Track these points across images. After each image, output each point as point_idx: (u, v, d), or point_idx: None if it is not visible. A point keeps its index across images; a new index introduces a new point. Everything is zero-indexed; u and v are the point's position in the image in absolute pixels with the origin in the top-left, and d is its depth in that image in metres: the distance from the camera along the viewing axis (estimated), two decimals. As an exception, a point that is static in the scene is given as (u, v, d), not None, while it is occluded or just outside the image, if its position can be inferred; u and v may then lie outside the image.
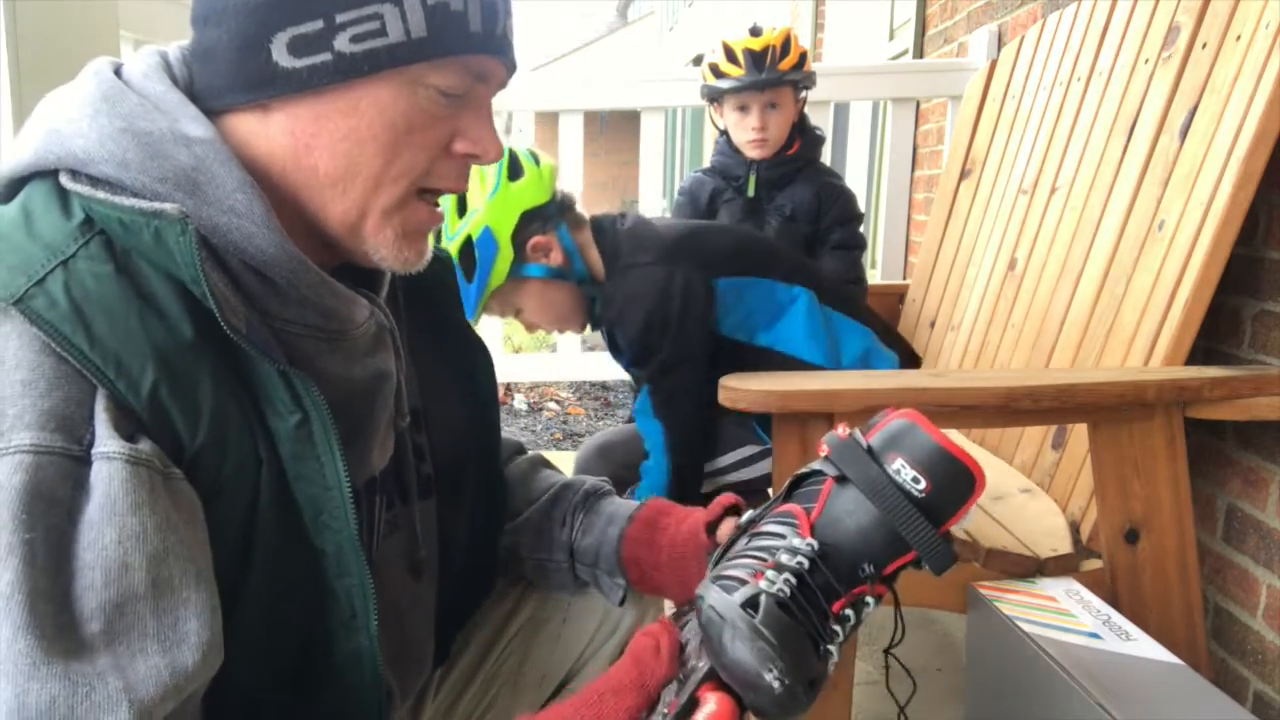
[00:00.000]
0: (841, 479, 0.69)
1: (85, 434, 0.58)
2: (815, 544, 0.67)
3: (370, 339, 0.77)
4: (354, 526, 0.69)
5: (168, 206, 0.63)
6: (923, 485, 0.66)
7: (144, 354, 0.61)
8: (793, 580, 0.66)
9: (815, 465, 0.73)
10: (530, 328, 1.62)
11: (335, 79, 0.67)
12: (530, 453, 1.07)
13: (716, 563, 0.73)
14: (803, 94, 1.96)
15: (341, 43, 0.66)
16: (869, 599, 0.69)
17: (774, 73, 1.88)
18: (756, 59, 1.89)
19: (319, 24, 0.66)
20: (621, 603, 0.94)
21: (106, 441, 0.58)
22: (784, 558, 0.67)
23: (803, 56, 1.92)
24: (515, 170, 1.48)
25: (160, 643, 0.58)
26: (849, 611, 0.68)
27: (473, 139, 0.74)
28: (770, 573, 0.66)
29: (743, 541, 0.73)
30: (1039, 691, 0.98)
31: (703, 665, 0.67)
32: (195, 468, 0.63)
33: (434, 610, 0.89)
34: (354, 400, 0.74)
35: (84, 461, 0.58)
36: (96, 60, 0.72)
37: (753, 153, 1.95)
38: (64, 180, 0.65)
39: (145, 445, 0.60)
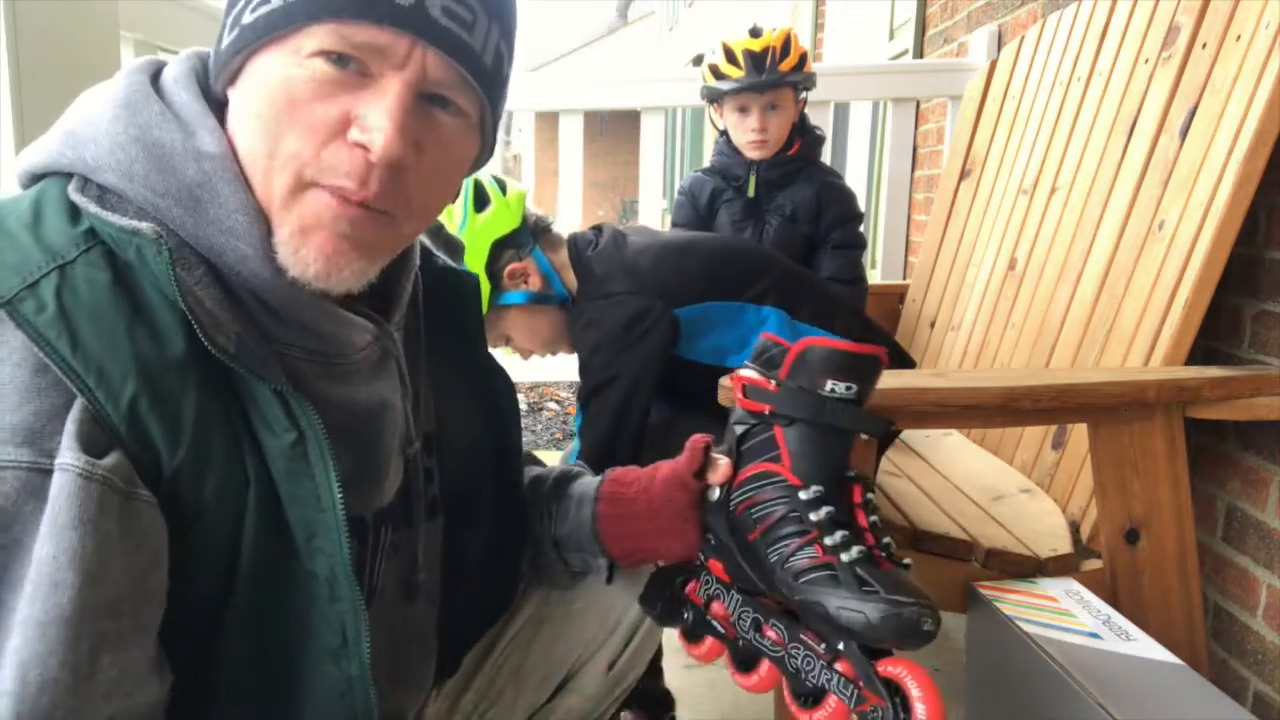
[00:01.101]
0: (789, 421, 0.78)
1: (54, 446, 0.58)
2: (818, 488, 0.76)
3: (372, 365, 0.75)
4: (347, 551, 0.68)
5: (144, 226, 0.62)
6: (854, 389, 0.77)
7: (127, 365, 0.60)
8: (845, 533, 0.75)
9: (749, 419, 0.80)
10: (524, 355, 1.62)
11: (239, 51, 0.66)
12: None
13: (744, 553, 0.79)
14: (803, 95, 1.96)
15: (246, 15, 0.65)
16: (869, 494, 0.79)
17: (774, 74, 1.88)
18: (756, 60, 1.89)
19: (242, 2, 0.66)
20: (609, 580, 0.93)
21: (65, 453, 0.57)
22: (813, 517, 0.75)
23: (803, 57, 1.92)
24: (481, 201, 1.48)
25: (74, 673, 0.57)
26: (874, 518, 0.78)
27: (362, 125, 0.64)
28: (826, 540, 0.74)
29: (749, 523, 0.78)
30: (1039, 691, 0.98)
31: (845, 648, 0.73)
32: (175, 485, 0.62)
33: (434, 631, 0.88)
34: (358, 426, 0.73)
35: (50, 474, 0.57)
36: (137, 60, 0.72)
37: (753, 154, 1.95)
38: (71, 190, 0.65)
39: (110, 460, 0.59)
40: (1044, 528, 1.36)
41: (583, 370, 1.46)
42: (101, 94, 0.68)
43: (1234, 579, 1.46)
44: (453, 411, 0.88)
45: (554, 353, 1.62)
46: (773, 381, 0.77)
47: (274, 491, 0.67)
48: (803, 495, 0.76)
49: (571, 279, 1.52)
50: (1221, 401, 1.22)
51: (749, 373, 0.80)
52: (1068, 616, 1.06)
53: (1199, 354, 1.36)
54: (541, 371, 3.17)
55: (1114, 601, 1.21)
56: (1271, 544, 1.37)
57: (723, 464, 0.82)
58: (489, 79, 0.70)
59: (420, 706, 0.89)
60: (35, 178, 0.69)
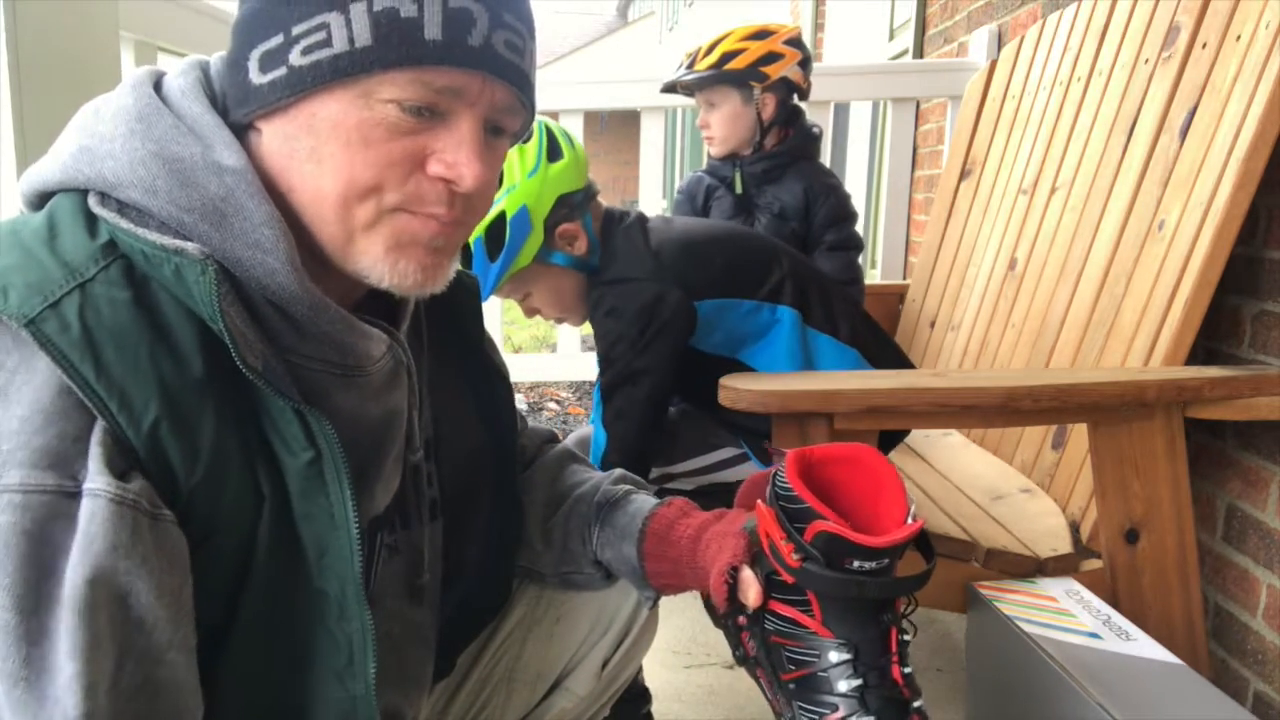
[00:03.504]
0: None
1: (79, 469, 0.58)
2: (849, 653, 0.74)
3: (385, 375, 0.75)
4: (358, 569, 0.68)
5: (189, 246, 0.62)
6: (886, 563, 0.73)
7: (149, 389, 0.60)
8: (878, 705, 0.73)
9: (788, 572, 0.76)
10: (530, 313, 1.57)
11: (288, 93, 0.65)
12: (561, 445, 1.06)
13: (780, 688, 0.77)
14: (761, 91, 1.92)
15: (295, 56, 0.65)
16: (906, 637, 0.76)
17: (687, 72, 1.92)
18: (690, 58, 1.93)
19: (280, 38, 0.65)
20: (653, 607, 0.97)
21: (95, 478, 0.57)
22: (841, 687, 0.73)
23: (729, 55, 1.88)
24: (555, 151, 1.43)
25: (116, 692, 0.57)
26: (909, 669, 0.75)
27: (445, 161, 0.67)
28: None
29: (783, 661, 0.77)
30: (1039, 691, 0.98)
31: None
32: (190, 507, 0.62)
33: (433, 632, 0.88)
34: (364, 437, 0.73)
35: (76, 497, 0.57)
36: (139, 71, 0.71)
37: (709, 149, 1.99)
38: (92, 204, 0.65)
39: (136, 484, 0.59)
40: (1044, 528, 1.36)
41: (604, 360, 1.44)
42: (109, 108, 0.68)
43: (1234, 579, 1.46)
44: (452, 415, 0.88)
45: (561, 320, 1.58)
46: (796, 556, 0.73)
47: (288, 509, 0.67)
48: (833, 656, 0.74)
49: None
50: (1221, 401, 1.22)
51: (770, 521, 0.76)
52: (1068, 616, 1.06)
53: (1199, 354, 1.36)
54: (541, 371, 3.17)
55: (1114, 601, 1.21)
56: (1271, 544, 1.37)
57: (753, 592, 0.78)
58: (533, 92, 0.73)
59: (418, 708, 0.89)
60: (44, 196, 0.68)
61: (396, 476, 0.79)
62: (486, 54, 0.66)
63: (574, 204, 1.44)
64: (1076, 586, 1.15)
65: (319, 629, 0.69)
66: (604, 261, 1.47)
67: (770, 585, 0.77)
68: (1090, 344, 1.48)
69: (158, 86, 0.70)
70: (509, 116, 0.72)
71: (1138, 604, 1.24)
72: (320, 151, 0.66)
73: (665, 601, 1.02)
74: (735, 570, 0.79)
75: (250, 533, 0.65)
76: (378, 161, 0.66)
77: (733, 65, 1.90)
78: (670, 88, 2.00)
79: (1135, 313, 1.37)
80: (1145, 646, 0.99)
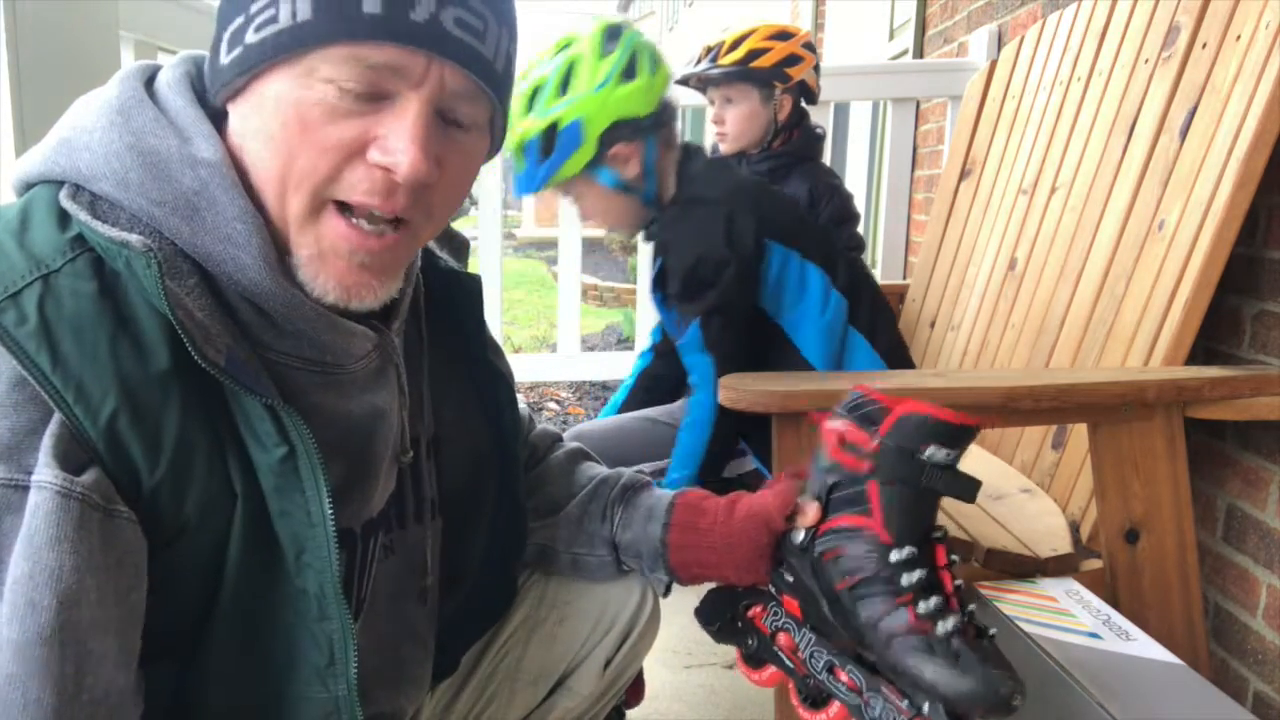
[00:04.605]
0: (887, 480, 0.77)
1: (32, 462, 0.57)
2: (911, 549, 0.76)
3: (370, 374, 0.74)
4: (336, 567, 0.67)
5: (133, 238, 0.61)
6: (953, 455, 0.77)
7: (107, 381, 0.59)
8: (939, 599, 0.75)
9: (843, 472, 0.79)
10: (580, 214, 1.59)
11: (241, 71, 0.65)
12: (569, 444, 1.06)
13: (830, 601, 0.79)
14: (780, 92, 1.94)
15: (250, 34, 0.64)
16: (954, 555, 0.79)
17: (709, 66, 1.91)
18: (710, 52, 1.92)
19: (241, 18, 0.65)
20: (666, 594, 0.97)
21: (42, 470, 0.56)
22: (905, 580, 0.75)
23: (754, 53, 1.89)
24: (630, 71, 1.40)
25: (58, 694, 0.55)
26: (959, 581, 0.78)
27: (383, 147, 0.64)
28: (920, 606, 0.74)
29: (835, 573, 0.78)
30: (1039, 691, 0.98)
31: (930, 709, 0.73)
32: (155, 502, 0.61)
33: (432, 633, 0.88)
34: (350, 437, 0.72)
35: (26, 490, 0.56)
36: (132, 64, 0.71)
37: (720, 145, 1.99)
38: (62, 198, 0.64)
39: (88, 478, 0.58)
40: (1044, 528, 1.35)
41: (687, 278, 1.45)
42: (95, 100, 0.68)
43: (1234, 579, 1.46)
44: (454, 414, 0.88)
45: (610, 229, 1.61)
46: (874, 440, 0.77)
47: (263, 506, 0.66)
48: (894, 556, 0.76)
49: (670, 184, 1.50)
50: (1221, 401, 1.22)
51: (843, 425, 0.80)
52: (1068, 616, 1.06)
53: (1199, 354, 1.36)
54: (541, 371, 3.18)
55: (1114, 601, 1.21)
56: (1271, 544, 1.37)
57: (812, 509, 0.81)
58: (500, 82, 0.69)
59: (417, 707, 0.89)
60: (30, 186, 0.68)
61: (393, 477, 0.79)
62: (432, 31, 0.62)
63: (637, 127, 1.43)
64: (1076, 586, 1.14)
65: (299, 629, 0.68)
66: (682, 184, 1.49)
67: (824, 509, 0.81)
68: (1090, 344, 1.48)
69: (152, 80, 0.70)
70: (466, 104, 0.68)
71: (1138, 604, 1.24)
72: (264, 132, 0.65)
73: (665, 601, 1.02)
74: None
75: (224, 530, 0.64)
76: (313, 145, 0.63)
77: (759, 63, 1.90)
78: (684, 81, 1.98)
79: (1135, 313, 1.37)
80: (1145, 646, 0.99)
